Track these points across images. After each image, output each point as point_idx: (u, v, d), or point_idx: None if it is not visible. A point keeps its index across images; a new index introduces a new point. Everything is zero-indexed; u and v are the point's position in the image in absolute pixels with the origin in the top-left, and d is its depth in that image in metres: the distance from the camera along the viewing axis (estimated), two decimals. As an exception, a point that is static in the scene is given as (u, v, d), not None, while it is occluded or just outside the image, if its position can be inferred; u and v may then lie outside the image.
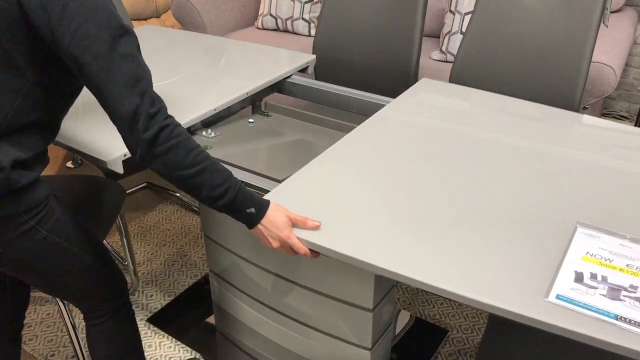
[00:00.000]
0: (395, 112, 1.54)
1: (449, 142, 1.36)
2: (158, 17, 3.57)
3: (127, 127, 0.96)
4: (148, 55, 1.90)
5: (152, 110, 0.96)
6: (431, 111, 1.51)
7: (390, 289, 1.30)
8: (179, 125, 1.00)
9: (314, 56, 1.85)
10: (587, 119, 1.48)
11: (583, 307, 0.88)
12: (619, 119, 3.09)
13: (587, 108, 2.42)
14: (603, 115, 3.11)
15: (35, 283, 1.25)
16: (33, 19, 0.97)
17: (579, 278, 0.94)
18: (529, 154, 1.31)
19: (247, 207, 1.03)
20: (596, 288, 0.91)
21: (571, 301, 0.89)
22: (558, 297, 0.90)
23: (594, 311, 0.87)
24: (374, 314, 1.25)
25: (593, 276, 0.94)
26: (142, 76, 0.97)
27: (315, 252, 1.06)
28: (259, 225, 1.06)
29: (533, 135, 1.39)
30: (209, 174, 1.00)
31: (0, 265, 1.16)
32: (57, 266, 1.20)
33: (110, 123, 1.12)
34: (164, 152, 0.97)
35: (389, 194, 1.18)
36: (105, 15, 0.96)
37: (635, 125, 2.91)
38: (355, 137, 1.40)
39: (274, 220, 1.04)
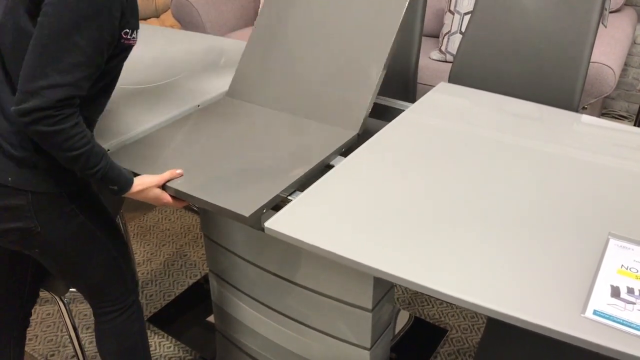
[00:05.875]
0: (411, 116, 1.54)
1: (460, 146, 1.36)
2: (157, 17, 3.57)
3: (29, 93, 0.99)
4: (148, 55, 1.90)
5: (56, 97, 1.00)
6: (447, 115, 1.51)
7: (389, 288, 1.30)
8: (73, 124, 1.04)
9: None
10: (587, 118, 1.49)
11: (622, 324, 0.85)
12: (618, 118, 3.09)
13: (586, 108, 2.42)
14: (602, 115, 3.11)
15: (59, 269, 1.29)
16: None
17: (615, 293, 0.90)
18: (545, 157, 1.31)
19: (111, 184, 1.15)
20: (634, 303, 0.88)
21: (609, 317, 0.86)
22: (595, 312, 0.87)
23: (634, 328, 0.84)
24: (373, 314, 1.25)
25: (630, 291, 0.91)
26: (74, 70, 1.01)
27: (181, 201, 1.24)
28: (134, 198, 1.21)
29: (545, 138, 1.39)
30: (85, 158, 1.08)
31: (32, 247, 1.20)
32: (85, 253, 1.26)
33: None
34: (44, 134, 1.02)
35: (402, 198, 1.18)
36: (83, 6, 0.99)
37: (635, 125, 2.91)
38: (371, 141, 1.40)
39: (145, 197, 1.21)
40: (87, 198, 1.23)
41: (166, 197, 1.23)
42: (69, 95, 1.01)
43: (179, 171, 1.24)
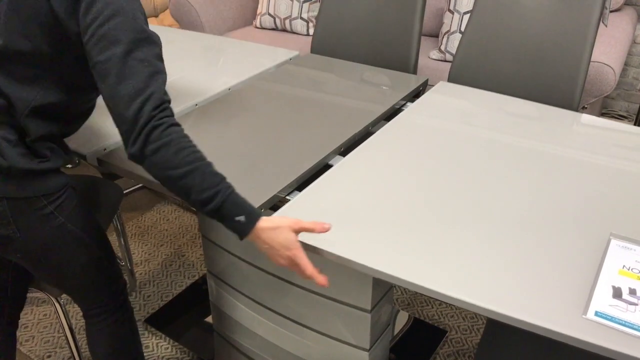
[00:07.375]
0: (410, 116, 1.53)
1: (459, 146, 1.36)
2: (156, 16, 3.56)
3: (126, 129, 0.96)
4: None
5: (152, 113, 0.95)
6: (446, 115, 1.51)
7: (388, 289, 1.29)
8: (173, 124, 0.97)
9: (297, 52, 1.86)
10: (588, 118, 1.48)
11: (624, 325, 0.84)
12: (618, 118, 3.09)
13: (586, 107, 2.41)
14: (602, 114, 3.10)
15: (43, 273, 1.26)
16: (59, 12, 0.99)
17: (617, 294, 0.90)
18: (545, 157, 1.30)
19: (237, 214, 0.96)
20: (636, 304, 0.88)
21: (611, 318, 0.86)
22: (597, 314, 0.86)
23: (636, 329, 0.84)
24: (372, 315, 1.24)
25: (632, 292, 0.90)
26: (151, 83, 0.97)
27: (323, 277, 0.99)
28: (259, 241, 0.99)
29: (545, 138, 1.38)
30: (200, 176, 0.94)
31: (13, 252, 1.17)
32: (68, 255, 1.22)
33: (98, 115, 1.18)
34: (154, 151, 0.94)
35: (401, 198, 1.17)
36: (128, 19, 0.97)
37: (635, 124, 2.90)
38: (370, 140, 1.39)
39: (276, 238, 0.97)
40: (65, 199, 1.19)
41: (300, 251, 0.98)
42: (165, 78, 1.01)
43: (327, 225, 0.99)
